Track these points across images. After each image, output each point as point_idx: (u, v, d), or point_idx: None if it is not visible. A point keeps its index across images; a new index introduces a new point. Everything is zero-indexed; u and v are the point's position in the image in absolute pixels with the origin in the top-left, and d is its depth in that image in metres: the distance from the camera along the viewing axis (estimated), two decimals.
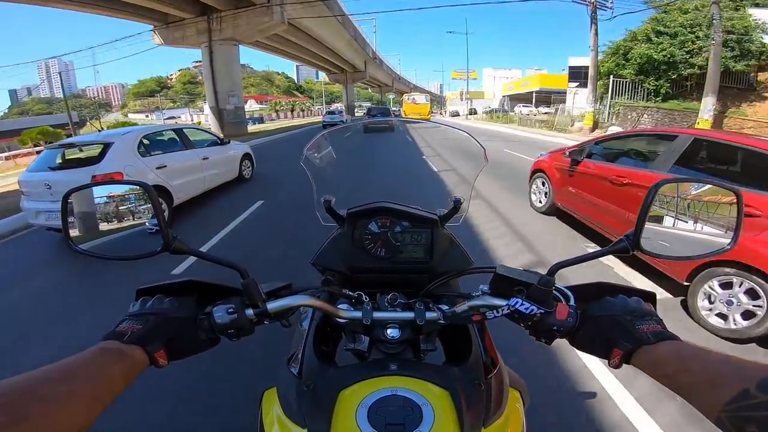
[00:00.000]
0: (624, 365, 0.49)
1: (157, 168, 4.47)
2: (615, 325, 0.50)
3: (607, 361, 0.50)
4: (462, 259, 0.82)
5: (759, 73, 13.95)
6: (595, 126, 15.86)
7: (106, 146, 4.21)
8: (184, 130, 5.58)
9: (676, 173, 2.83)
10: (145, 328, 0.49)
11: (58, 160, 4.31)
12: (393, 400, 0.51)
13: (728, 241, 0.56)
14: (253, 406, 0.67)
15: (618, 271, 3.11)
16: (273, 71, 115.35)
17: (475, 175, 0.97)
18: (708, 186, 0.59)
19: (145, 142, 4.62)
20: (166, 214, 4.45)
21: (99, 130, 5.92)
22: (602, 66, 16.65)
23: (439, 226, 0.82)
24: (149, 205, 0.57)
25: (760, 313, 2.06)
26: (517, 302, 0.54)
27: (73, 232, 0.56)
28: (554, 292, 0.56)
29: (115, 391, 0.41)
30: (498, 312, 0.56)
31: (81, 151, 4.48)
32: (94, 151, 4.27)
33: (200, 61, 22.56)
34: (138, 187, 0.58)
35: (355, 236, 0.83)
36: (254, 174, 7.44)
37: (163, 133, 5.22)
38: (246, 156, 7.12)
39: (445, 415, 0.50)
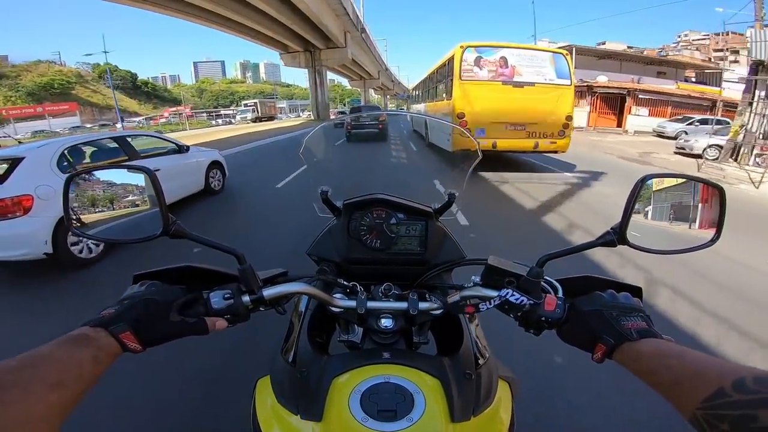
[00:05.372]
0: (606, 360, 0.48)
1: None
2: (600, 320, 0.49)
3: (590, 355, 0.49)
4: (455, 252, 0.81)
5: None
6: None
7: (15, 162, 3.27)
8: (129, 137, 4.60)
9: None
10: (116, 311, 0.48)
11: None
12: (385, 387, 0.51)
13: (712, 234, 0.56)
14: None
15: None
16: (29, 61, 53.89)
17: (468, 169, 0.95)
18: (692, 181, 0.58)
19: (70, 155, 3.66)
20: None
21: (18, 143, 4.90)
22: None
23: (434, 218, 0.82)
24: (145, 188, 0.57)
25: None
26: (507, 293, 0.54)
27: (74, 216, 0.56)
28: (543, 283, 0.56)
29: (84, 378, 0.39)
30: (490, 303, 0.56)
31: None
32: (1, 169, 3.32)
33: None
34: (141, 172, 0.57)
35: (350, 227, 0.82)
36: (225, 185, 6.49)
37: (98, 142, 4.24)
38: (214, 164, 6.16)
39: (436, 403, 0.50)
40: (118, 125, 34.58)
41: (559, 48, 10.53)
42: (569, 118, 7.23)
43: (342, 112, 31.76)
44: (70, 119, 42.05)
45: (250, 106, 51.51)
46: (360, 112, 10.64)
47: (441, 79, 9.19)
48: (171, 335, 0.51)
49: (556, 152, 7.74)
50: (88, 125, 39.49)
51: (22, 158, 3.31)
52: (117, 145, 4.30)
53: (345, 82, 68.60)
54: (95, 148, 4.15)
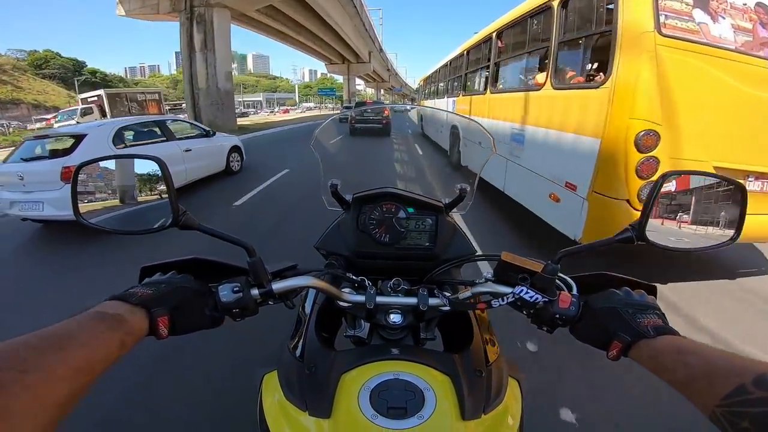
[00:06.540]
0: (622, 358, 0.48)
1: None
2: (616, 318, 0.49)
3: (605, 353, 0.49)
4: (465, 247, 0.81)
5: None
6: None
7: (80, 138, 4.13)
8: (167, 122, 5.47)
9: None
10: (155, 293, 0.48)
11: (33, 152, 4.24)
12: (395, 383, 0.51)
13: (732, 233, 0.56)
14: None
15: None
16: None
17: (481, 164, 0.96)
18: (713, 179, 0.57)
19: (122, 133, 4.51)
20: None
21: (77, 123, 5.85)
22: None
23: (444, 213, 0.81)
24: (158, 178, 0.55)
25: None
26: (521, 290, 0.53)
27: (83, 206, 0.55)
28: (557, 281, 0.55)
29: (108, 360, 0.37)
30: (503, 300, 0.55)
31: (56, 143, 4.41)
32: (68, 143, 4.19)
33: None
34: (150, 161, 0.55)
35: (359, 221, 0.81)
36: (243, 166, 7.34)
37: (144, 124, 5.11)
38: (234, 148, 6.99)
39: (446, 400, 0.50)
40: None
41: None
42: None
43: (348, 107, 30.06)
44: None
45: (92, 100, 22.47)
46: (364, 106, 10.76)
47: (528, 42, 3.76)
48: (198, 326, 0.51)
49: None
50: None
51: (85, 135, 4.17)
52: (158, 128, 5.18)
53: (329, 71, 49.19)
54: (141, 129, 5.02)
